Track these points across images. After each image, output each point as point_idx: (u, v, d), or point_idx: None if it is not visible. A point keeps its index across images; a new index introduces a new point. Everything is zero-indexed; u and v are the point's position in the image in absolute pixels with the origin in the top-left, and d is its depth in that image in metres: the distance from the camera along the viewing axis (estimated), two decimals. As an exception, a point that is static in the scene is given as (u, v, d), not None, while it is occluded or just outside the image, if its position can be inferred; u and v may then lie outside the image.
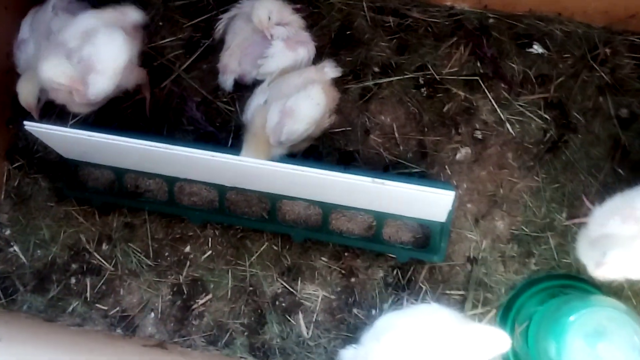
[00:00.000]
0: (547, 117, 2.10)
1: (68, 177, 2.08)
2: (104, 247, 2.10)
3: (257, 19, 1.93)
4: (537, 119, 2.11)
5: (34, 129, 1.80)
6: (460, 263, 2.02)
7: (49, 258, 2.10)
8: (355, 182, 1.73)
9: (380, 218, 1.98)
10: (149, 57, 2.22)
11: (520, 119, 2.11)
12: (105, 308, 2.06)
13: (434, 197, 1.71)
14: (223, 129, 2.15)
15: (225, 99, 2.19)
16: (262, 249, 2.07)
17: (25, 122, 1.80)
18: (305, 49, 2.00)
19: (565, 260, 1.99)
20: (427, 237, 2.00)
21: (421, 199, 1.76)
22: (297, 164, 1.86)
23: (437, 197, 1.70)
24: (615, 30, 2.15)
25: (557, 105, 2.11)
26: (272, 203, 2.01)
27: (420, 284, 2.02)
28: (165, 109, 2.18)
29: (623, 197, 1.71)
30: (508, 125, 2.11)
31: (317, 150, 2.12)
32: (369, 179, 1.70)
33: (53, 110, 2.19)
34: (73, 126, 2.15)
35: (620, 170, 2.04)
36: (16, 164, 2.18)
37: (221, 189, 2.02)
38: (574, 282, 1.95)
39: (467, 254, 2.02)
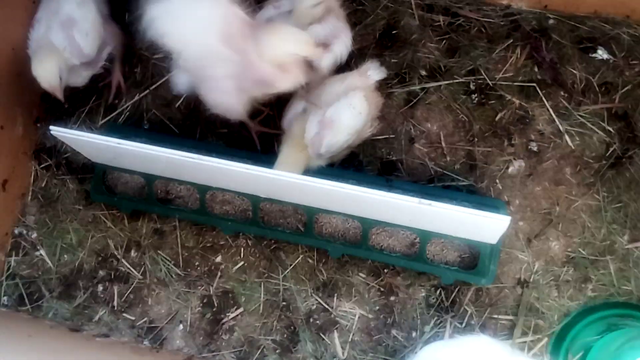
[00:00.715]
0: (610, 129, 1.94)
1: (96, 181, 1.99)
2: (133, 253, 2.02)
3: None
4: (599, 132, 1.94)
5: (60, 135, 1.71)
6: (509, 285, 1.88)
7: (76, 263, 2.03)
8: (399, 202, 1.59)
9: (425, 236, 1.84)
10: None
11: (581, 130, 1.95)
12: (133, 318, 1.98)
13: (487, 221, 1.56)
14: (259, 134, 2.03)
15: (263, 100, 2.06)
16: (296, 262, 1.96)
17: (51, 127, 1.71)
18: (342, 44, 1.81)
19: (625, 287, 1.83)
20: (474, 257, 1.86)
21: (471, 221, 1.61)
22: (336, 177, 1.74)
23: (491, 221, 1.56)
24: (690, 35, 1.96)
25: (622, 116, 1.94)
26: (308, 216, 1.89)
27: (465, 307, 1.88)
28: (198, 111, 2.07)
29: None
30: (567, 137, 1.95)
31: (357, 158, 2.00)
32: (416, 199, 1.57)
33: (83, 109, 2.12)
34: (103, 127, 2.07)
35: (689, 191, 1.87)
36: (44, 164, 2.10)
37: (255, 199, 1.91)
38: (635, 312, 1.80)
39: (517, 276, 1.88)
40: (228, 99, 1.70)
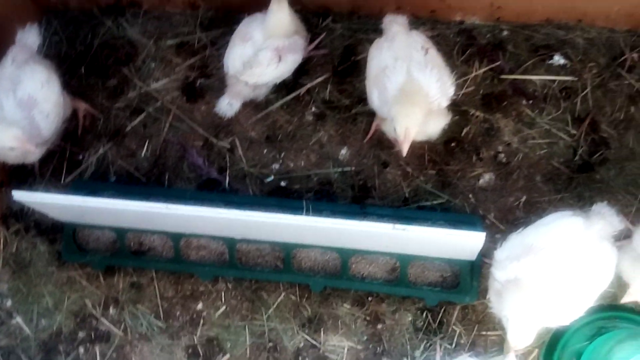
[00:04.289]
0: (575, 132, 1.95)
1: (67, 241, 1.95)
2: (111, 310, 1.97)
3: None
4: (565, 137, 1.95)
5: (24, 199, 1.67)
6: (494, 300, 1.86)
7: (54, 327, 1.97)
8: (373, 229, 1.58)
9: (404, 260, 1.83)
10: (144, 101, 2.10)
11: (547, 137, 1.95)
12: (118, 378, 1.93)
13: (462, 238, 1.56)
14: (224, 171, 2.02)
15: (227, 141, 2.05)
16: (279, 300, 1.93)
17: (14, 192, 1.67)
18: (293, 60, 1.92)
19: (609, 290, 1.81)
20: (456, 276, 1.85)
21: (447, 240, 1.60)
22: (310, 209, 1.73)
23: (466, 238, 1.55)
24: (641, 32, 1.99)
25: (586, 119, 1.95)
26: (286, 252, 1.87)
27: (453, 327, 1.87)
28: (164, 158, 2.05)
29: None
30: (534, 146, 1.95)
31: (331, 189, 1.98)
32: (390, 225, 1.56)
33: (47, 168, 2.08)
34: (69, 185, 2.04)
35: (661, 185, 1.88)
36: (12, 229, 2.05)
37: (230, 242, 1.88)
38: (621, 313, 1.80)
39: (501, 289, 1.86)
40: None
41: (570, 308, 1.57)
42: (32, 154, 1.85)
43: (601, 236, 1.58)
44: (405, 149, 1.66)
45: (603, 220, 1.59)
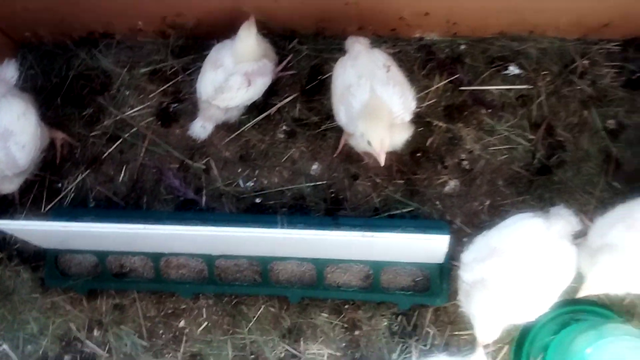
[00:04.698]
0: (533, 137, 2.05)
1: (49, 267, 2.00)
2: (96, 333, 2.02)
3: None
4: (523, 142, 2.05)
5: (6, 227, 1.73)
6: (465, 301, 1.94)
7: (40, 352, 2.01)
8: (344, 238, 1.66)
9: (377, 267, 1.90)
10: (120, 128, 2.17)
11: (506, 143, 2.05)
12: (104, 399, 1.98)
13: (428, 242, 1.64)
14: (200, 191, 2.09)
15: (201, 162, 2.13)
16: (259, 313, 1.99)
17: (-5, 221, 1.73)
18: (263, 83, 2.00)
19: (572, 285, 1.90)
20: (427, 279, 1.93)
21: (415, 245, 1.69)
22: (284, 223, 1.80)
23: (431, 242, 1.63)
24: (590, 40, 2.11)
25: (542, 124, 2.05)
26: (263, 266, 1.94)
27: (427, 329, 1.94)
28: (142, 181, 2.12)
29: (625, 207, 1.67)
30: (495, 152, 2.05)
31: (304, 202, 2.06)
32: (359, 233, 1.64)
33: (28, 197, 2.14)
34: (49, 213, 2.09)
35: (615, 184, 1.98)
36: (-4, 259, 2.10)
37: (209, 258, 1.95)
38: (584, 307, 1.88)
39: (471, 291, 1.94)
40: None
41: (534, 305, 1.65)
42: (9, 184, 1.91)
43: (561, 235, 1.66)
44: (382, 159, 1.75)
45: (562, 221, 1.68)
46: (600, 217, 1.71)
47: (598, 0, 1.95)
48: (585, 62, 2.09)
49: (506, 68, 2.11)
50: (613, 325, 1.71)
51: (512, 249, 1.63)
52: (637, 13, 1.99)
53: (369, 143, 1.75)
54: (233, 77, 1.95)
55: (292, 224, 1.90)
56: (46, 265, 2.02)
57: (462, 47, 2.16)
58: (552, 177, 2.01)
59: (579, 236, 1.78)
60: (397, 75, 1.87)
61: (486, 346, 1.88)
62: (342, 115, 1.89)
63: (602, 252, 1.63)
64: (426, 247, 1.68)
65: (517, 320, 1.68)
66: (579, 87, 2.07)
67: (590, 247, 1.67)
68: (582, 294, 1.64)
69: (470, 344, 1.91)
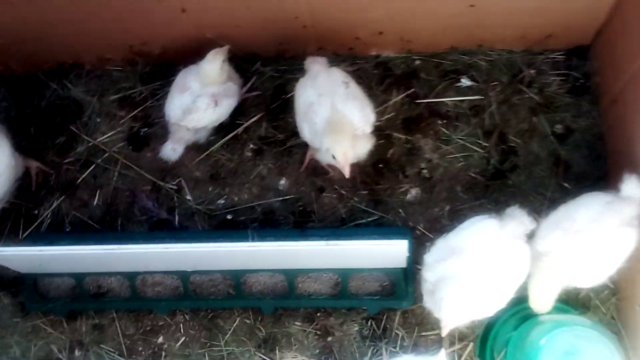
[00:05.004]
0: (486, 145, 2.16)
1: (29, 292, 2.06)
2: (77, 353, 2.08)
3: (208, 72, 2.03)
4: (478, 149, 2.16)
5: (-16, 254, 1.79)
6: (431, 303, 2.04)
7: (23, 375, 2.07)
8: (311, 247, 1.75)
9: (344, 274, 1.99)
10: (92, 154, 2.25)
11: (462, 151, 2.16)
12: (87, 417, 2.03)
13: (389, 247, 1.74)
14: (173, 211, 2.17)
15: (173, 183, 2.21)
16: (234, 325, 2.06)
17: (-26, 248, 1.80)
18: (229, 105, 2.11)
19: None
20: (393, 284, 2.02)
21: (377, 251, 1.78)
22: (255, 237, 1.89)
23: (392, 247, 1.73)
24: (535, 51, 2.24)
25: (494, 132, 2.18)
26: (236, 279, 2.02)
27: (396, 331, 2.02)
28: (116, 204, 2.19)
29: (563, 210, 1.78)
30: (452, 160, 2.16)
31: (274, 217, 2.15)
32: (323, 242, 1.73)
33: (5, 225, 2.20)
34: (27, 239, 2.15)
35: (565, 184, 2.10)
36: (-26, 287, 2.16)
37: (184, 275, 2.02)
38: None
39: (435, 293, 2.04)
40: None
41: (492, 300, 1.75)
42: None
43: (514, 235, 1.76)
44: (347, 171, 1.85)
45: (514, 221, 1.78)
46: (544, 220, 1.79)
47: (539, 14, 2.07)
48: (532, 71, 2.22)
49: (459, 80, 2.24)
50: (566, 316, 1.82)
51: (470, 248, 1.73)
52: (577, 25, 2.13)
53: (333, 157, 1.86)
54: (200, 98, 2.04)
55: (262, 237, 1.98)
56: (25, 289, 2.07)
57: (417, 62, 2.28)
58: (506, 181, 2.12)
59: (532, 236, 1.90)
60: (355, 90, 1.98)
61: (452, 344, 1.99)
62: (306, 132, 1.99)
63: (539, 260, 1.75)
64: (388, 252, 1.78)
65: (478, 314, 1.78)
66: (527, 96, 2.20)
67: (535, 249, 1.77)
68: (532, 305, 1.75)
69: (437, 343, 2.01)
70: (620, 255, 1.73)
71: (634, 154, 1.80)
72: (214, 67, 2.02)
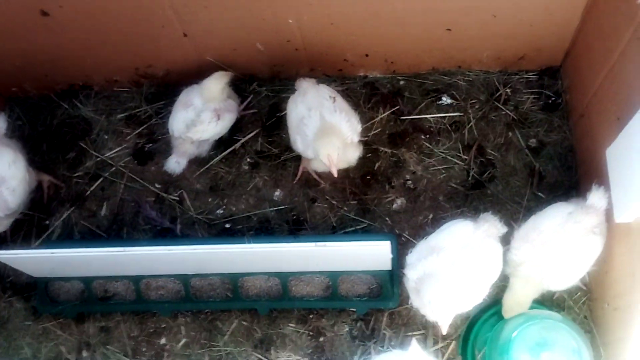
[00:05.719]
0: (466, 157, 2.33)
1: (40, 295, 2.21)
2: (84, 354, 2.21)
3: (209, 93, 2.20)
4: (458, 162, 2.33)
5: (1, 257, 1.94)
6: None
7: (33, 375, 2.20)
8: (301, 249, 1.90)
9: (334, 277, 2.14)
10: (100, 168, 2.42)
11: (444, 164, 2.33)
12: (94, 417, 2.16)
13: (373, 249, 1.89)
14: (175, 221, 2.33)
15: (175, 194, 2.37)
16: (232, 326, 2.20)
17: (-6, 251, 1.95)
18: (229, 119, 2.27)
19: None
20: (380, 286, 2.16)
21: (363, 252, 1.93)
22: (251, 242, 2.04)
23: (375, 248, 1.88)
24: (510, 71, 2.42)
25: (473, 146, 2.34)
26: (234, 282, 2.17)
27: (384, 331, 2.16)
28: (122, 214, 2.35)
29: (531, 221, 1.93)
30: (434, 172, 2.32)
31: (269, 224, 2.30)
32: (312, 243, 1.88)
33: (18, 234, 2.35)
34: (39, 247, 2.31)
35: (540, 194, 2.26)
36: (-11, 292, 2.30)
37: (185, 279, 2.17)
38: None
39: (420, 294, 2.19)
40: None
41: (470, 293, 1.89)
42: (0, 224, 2.14)
43: (487, 235, 1.92)
44: (334, 172, 2.00)
45: (487, 224, 1.94)
46: (517, 230, 1.95)
47: (512, 37, 2.26)
48: (508, 90, 2.40)
49: (440, 99, 2.41)
50: (536, 311, 1.96)
51: (448, 247, 1.88)
52: (547, 47, 2.31)
53: (322, 161, 2.01)
54: (204, 113, 2.22)
55: (256, 242, 2.13)
56: (37, 293, 2.22)
57: (401, 82, 2.46)
58: (485, 191, 2.29)
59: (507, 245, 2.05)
60: (342, 103, 2.15)
61: (435, 343, 2.13)
62: (299, 144, 2.16)
63: (512, 275, 1.92)
64: (373, 252, 1.93)
65: (459, 308, 1.90)
66: (503, 112, 2.37)
67: (512, 260, 1.93)
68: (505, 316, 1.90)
69: (423, 342, 2.14)
70: (586, 260, 1.90)
71: (598, 162, 1.95)
72: (217, 86, 2.20)
